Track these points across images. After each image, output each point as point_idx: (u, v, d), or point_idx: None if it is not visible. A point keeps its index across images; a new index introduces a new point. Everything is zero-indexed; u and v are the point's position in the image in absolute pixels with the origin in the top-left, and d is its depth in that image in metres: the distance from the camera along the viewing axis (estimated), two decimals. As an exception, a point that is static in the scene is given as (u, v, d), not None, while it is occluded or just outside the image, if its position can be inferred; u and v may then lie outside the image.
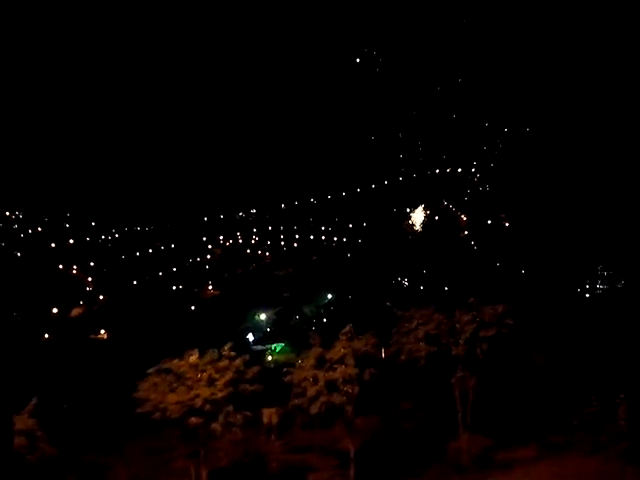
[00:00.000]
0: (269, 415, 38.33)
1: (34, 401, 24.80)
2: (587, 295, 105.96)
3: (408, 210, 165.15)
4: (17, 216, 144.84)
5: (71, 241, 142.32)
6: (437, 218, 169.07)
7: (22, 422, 23.83)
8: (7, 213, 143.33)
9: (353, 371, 28.46)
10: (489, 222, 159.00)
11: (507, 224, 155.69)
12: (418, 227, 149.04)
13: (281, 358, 61.78)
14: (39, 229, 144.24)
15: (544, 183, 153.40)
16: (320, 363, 29.05)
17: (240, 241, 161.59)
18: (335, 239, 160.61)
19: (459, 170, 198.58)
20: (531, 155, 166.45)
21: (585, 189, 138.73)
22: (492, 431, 34.28)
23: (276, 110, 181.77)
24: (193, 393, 25.82)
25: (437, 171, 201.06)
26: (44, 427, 25.01)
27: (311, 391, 28.36)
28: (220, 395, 26.07)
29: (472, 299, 32.56)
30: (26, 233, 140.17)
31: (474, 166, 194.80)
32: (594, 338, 51.38)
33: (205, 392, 25.85)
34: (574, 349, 48.61)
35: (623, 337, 49.53)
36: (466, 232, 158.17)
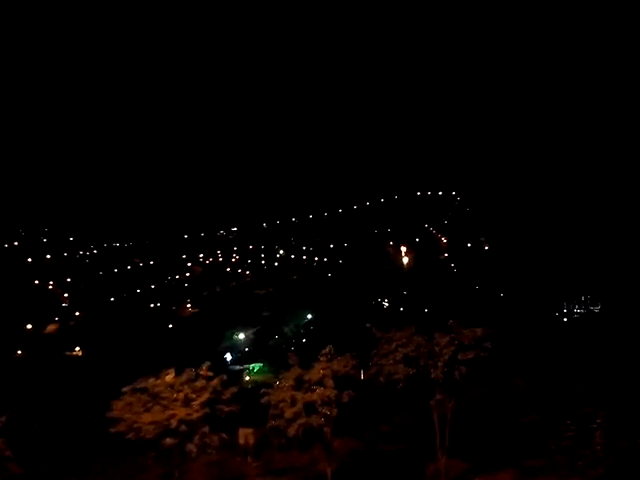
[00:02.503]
0: (245, 436, 37.77)
1: (3, 419, 24.17)
2: (565, 319, 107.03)
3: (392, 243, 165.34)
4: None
5: (48, 256, 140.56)
6: (418, 240, 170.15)
7: (-10, 441, 23.21)
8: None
9: (332, 393, 28.19)
10: (469, 245, 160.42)
11: (487, 247, 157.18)
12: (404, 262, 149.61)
13: (259, 378, 61.17)
14: (15, 243, 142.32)
15: (524, 208, 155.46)
16: (299, 384, 28.76)
17: (220, 259, 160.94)
18: (316, 259, 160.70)
19: (440, 193, 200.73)
20: (511, 180, 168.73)
21: (563, 215, 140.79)
22: (470, 454, 34.13)
23: (258, 130, 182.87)
24: (168, 413, 25.35)
25: (418, 194, 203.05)
26: (14, 446, 24.36)
27: (289, 412, 28.03)
28: (196, 416, 25.63)
29: (451, 321, 32.55)
30: (1, 247, 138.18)
31: (455, 189, 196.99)
32: (572, 361, 51.74)
33: (181, 412, 25.41)
34: (552, 373, 48.85)
35: (600, 361, 49.99)
36: (446, 254, 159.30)
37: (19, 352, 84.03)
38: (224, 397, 26.73)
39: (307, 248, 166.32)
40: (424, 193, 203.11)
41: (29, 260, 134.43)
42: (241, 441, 37.68)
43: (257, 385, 45.59)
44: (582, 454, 25.77)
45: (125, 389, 26.13)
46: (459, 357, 31.20)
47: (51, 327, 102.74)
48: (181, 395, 25.98)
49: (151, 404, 25.74)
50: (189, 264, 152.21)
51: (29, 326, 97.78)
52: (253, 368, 71.85)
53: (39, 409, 44.64)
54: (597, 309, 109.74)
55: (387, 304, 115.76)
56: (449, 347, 31.38)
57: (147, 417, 25.10)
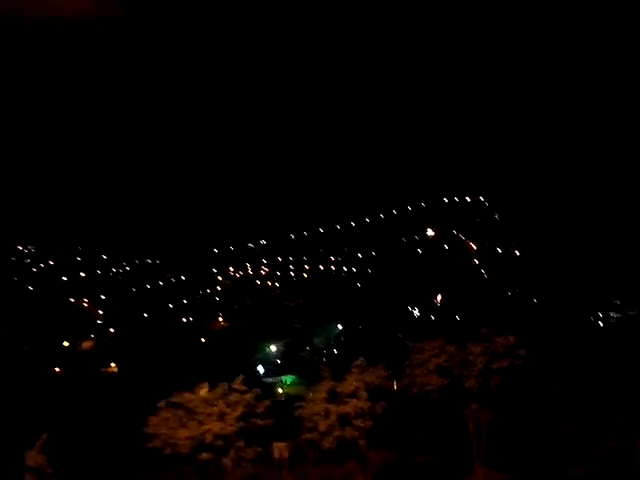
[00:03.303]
0: (280, 450, 37.80)
1: (44, 436, 24.70)
2: (601, 324, 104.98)
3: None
4: (30, 250, 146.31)
5: (82, 274, 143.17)
6: (447, 247, 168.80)
7: (32, 458, 23.74)
8: (20, 247, 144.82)
9: (365, 405, 28.21)
10: (500, 251, 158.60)
11: (518, 253, 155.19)
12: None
13: (292, 391, 61.23)
14: (51, 262, 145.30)
15: (555, 212, 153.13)
16: (332, 396, 28.83)
17: (250, 272, 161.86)
18: (345, 269, 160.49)
19: (467, 199, 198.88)
20: (542, 184, 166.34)
21: (598, 217, 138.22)
22: (508, 465, 33.60)
23: (282, 139, 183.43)
24: (204, 428, 25.64)
25: (446, 200, 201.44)
26: (54, 463, 24.86)
27: (323, 425, 28.08)
28: (231, 430, 25.88)
29: (484, 330, 32.26)
30: (38, 267, 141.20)
31: (483, 194, 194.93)
32: (610, 368, 50.70)
33: (216, 427, 25.67)
34: (590, 380, 47.92)
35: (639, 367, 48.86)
36: (476, 261, 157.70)
37: (56, 369, 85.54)
38: (258, 411, 26.93)
39: (336, 259, 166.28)
40: (451, 199, 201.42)
41: (64, 279, 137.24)
42: (275, 454, 37.71)
43: (290, 397, 45.69)
44: (622, 463, 25.26)
45: (160, 404, 26.49)
46: (493, 366, 30.92)
47: (87, 344, 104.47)
48: (216, 410, 26.26)
49: (186, 419, 26.07)
50: (219, 278, 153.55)
51: (66, 343, 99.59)
52: (285, 380, 72.00)
53: (78, 426, 45.34)
54: (634, 313, 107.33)
55: (418, 313, 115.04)
56: (482, 356, 31.14)
57: (183, 432, 25.43)
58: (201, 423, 25.81)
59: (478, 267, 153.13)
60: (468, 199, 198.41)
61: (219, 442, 25.62)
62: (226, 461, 25.95)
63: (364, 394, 28.56)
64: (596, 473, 27.64)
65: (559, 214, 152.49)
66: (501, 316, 77.29)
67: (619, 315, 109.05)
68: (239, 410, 26.36)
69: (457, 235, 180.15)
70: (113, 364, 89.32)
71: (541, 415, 41.25)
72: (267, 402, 27.34)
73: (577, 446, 31.86)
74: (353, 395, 28.68)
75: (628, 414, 27.37)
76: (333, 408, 28.29)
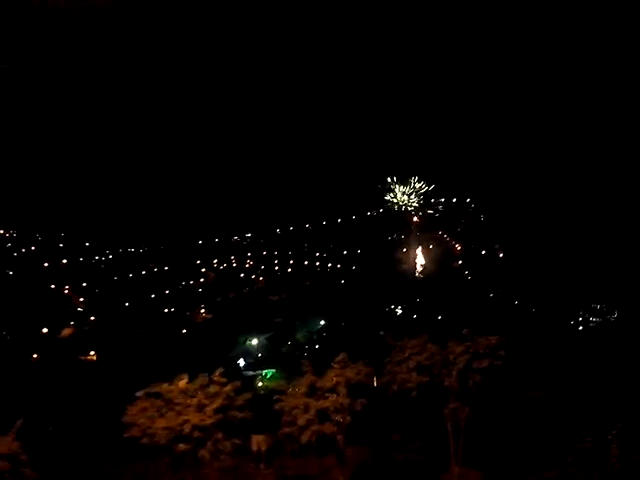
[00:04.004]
0: (258, 442, 37.71)
1: (19, 423, 24.32)
2: (580, 328, 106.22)
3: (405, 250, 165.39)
4: (11, 234, 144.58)
5: (64, 261, 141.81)
6: (431, 247, 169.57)
7: (6, 445, 23.35)
8: (1, 231, 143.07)
9: (345, 400, 28.16)
10: (483, 252, 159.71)
11: (501, 255, 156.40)
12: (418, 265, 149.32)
13: (272, 384, 61.02)
14: (32, 248, 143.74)
15: (539, 215, 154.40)
16: (312, 391, 28.75)
17: (234, 265, 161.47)
18: (329, 265, 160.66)
19: (454, 200, 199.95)
20: (527, 188, 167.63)
21: (579, 223, 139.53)
22: (484, 465, 33.80)
23: (271, 135, 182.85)
24: (182, 419, 25.45)
25: (432, 200, 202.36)
26: (29, 450, 24.52)
27: (302, 420, 28.01)
28: (209, 421, 25.71)
29: (466, 330, 32.35)
30: (19, 252, 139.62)
31: (469, 196, 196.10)
32: (588, 371, 51.20)
33: (194, 418, 25.49)
34: (568, 382, 48.36)
35: (616, 371, 49.42)
36: (460, 262, 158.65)
37: (35, 356, 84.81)
38: (237, 403, 26.79)
39: (320, 254, 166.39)
40: (438, 200, 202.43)
41: (45, 265, 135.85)
42: (254, 447, 37.63)
43: (270, 391, 45.55)
44: (598, 466, 25.42)
45: (139, 394, 26.25)
46: (473, 366, 31.01)
47: (66, 331, 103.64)
48: (194, 401, 26.06)
49: (165, 409, 25.86)
50: (203, 270, 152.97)
51: (45, 330, 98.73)
52: (266, 374, 71.98)
53: (54, 413, 44.93)
54: (613, 318, 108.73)
55: (400, 311, 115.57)
56: (463, 355, 31.22)
57: (161, 422, 25.21)
58: (179, 414, 25.61)
59: (462, 268, 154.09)
60: (454, 200, 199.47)
61: (197, 433, 25.44)
62: (204, 452, 25.77)
63: (344, 390, 28.50)
64: (571, 475, 27.81)
65: (542, 217, 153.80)
66: (483, 317, 77.84)
67: (598, 319, 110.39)
68: (218, 402, 26.19)
69: (442, 235, 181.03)
70: (92, 352, 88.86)
71: (519, 415, 41.53)
72: (247, 395, 27.20)
73: (553, 448, 32.12)
74: (333, 390, 28.62)
75: (604, 417, 27.59)
76: (312, 403, 28.21)
